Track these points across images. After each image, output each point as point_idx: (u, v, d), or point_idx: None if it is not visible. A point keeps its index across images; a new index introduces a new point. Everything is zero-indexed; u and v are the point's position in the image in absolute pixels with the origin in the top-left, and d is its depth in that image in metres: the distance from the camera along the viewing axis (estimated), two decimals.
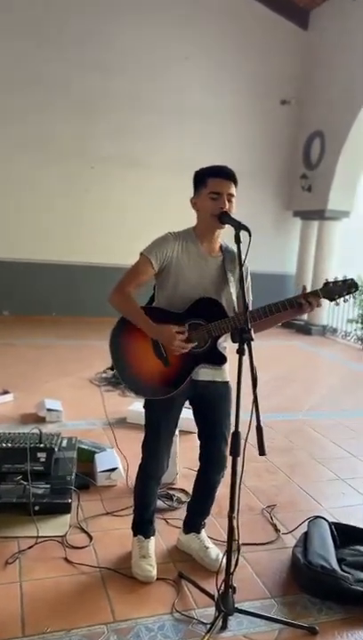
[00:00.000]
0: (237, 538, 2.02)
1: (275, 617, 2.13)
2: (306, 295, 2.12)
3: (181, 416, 2.39)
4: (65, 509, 2.76)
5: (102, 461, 3.24)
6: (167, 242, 2.20)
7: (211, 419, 2.37)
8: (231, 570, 2.01)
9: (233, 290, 2.23)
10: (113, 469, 3.18)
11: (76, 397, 4.75)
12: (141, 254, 2.20)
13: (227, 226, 2.15)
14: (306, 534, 2.61)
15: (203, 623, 2.07)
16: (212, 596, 2.14)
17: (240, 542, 2.08)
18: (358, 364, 7.32)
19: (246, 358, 1.90)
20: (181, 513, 2.71)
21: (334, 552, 2.45)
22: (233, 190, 2.15)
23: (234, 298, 2.23)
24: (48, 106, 8.25)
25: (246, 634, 2.06)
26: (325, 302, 2.17)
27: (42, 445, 2.99)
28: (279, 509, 3.03)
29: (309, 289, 2.20)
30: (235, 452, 1.95)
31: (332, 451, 4.01)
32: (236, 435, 1.96)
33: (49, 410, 4.19)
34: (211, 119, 8.93)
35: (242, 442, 1.92)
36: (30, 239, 8.43)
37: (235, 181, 2.15)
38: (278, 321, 2.22)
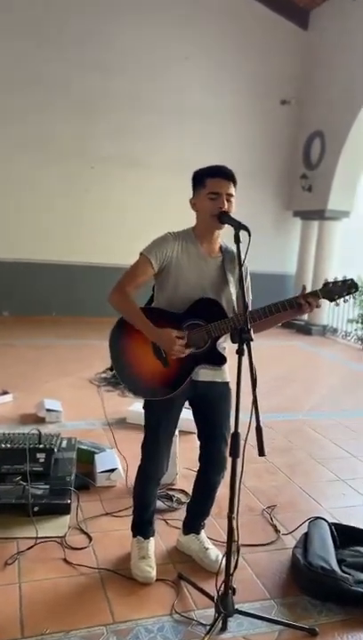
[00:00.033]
0: (236, 539, 2.01)
1: (275, 618, 2.12)
2: (306, 295, 2.11)
3: (181, 416, 2.39)
4: (64, 510, 2.75)
5: (102, 462, 3.23)
6: (167, 242, 2.19)
7: (211, 419, 2.36)
8: (231, 571, 2.01)
9: (233, 290, 2.22)
10: (112, 470, 3.17)
11: (75, 397, 4.74)
12: (141, 254, 2.20)
13: (226, 226, 2.14)
14: (306, 535, 2.60)
15: (202, 624, 2.07)
16: (211, 598, 2.14)
17: (240, 543, 2.08)
18: (358, 364, 7.31)
19: (245, 359, 1.90)
20: (181, 514, 2.71)
21: (334, 553, 2.44)
22: (232, 190, 2.14)
23: (234, 298, 2.22)
24: (48, 106, 8.24)
25: (246, 635, 2.05)
26: (325, 302, 2.16)
27: (41, 446, 2.98)
28: (279, 510, 3.02)
29: (309, 289, 2.19)
30: (234, 453, 1.95)
31: (332, 451, 4.01)
32: (235, 436, 1.95)
33: (48, 410, 4.18)
34: (211, 119, 8.93)
35: (242, 442, 1.91)
36: (30, 239, 8.43)
37: (234, 181, 2.15)
38: (278, 321, 2.21)
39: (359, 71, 8.08)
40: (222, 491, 2.31)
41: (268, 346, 6.59)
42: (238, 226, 2.03)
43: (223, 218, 2.10)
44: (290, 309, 2.12)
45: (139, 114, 8.58)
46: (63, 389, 4.93)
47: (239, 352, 1.91)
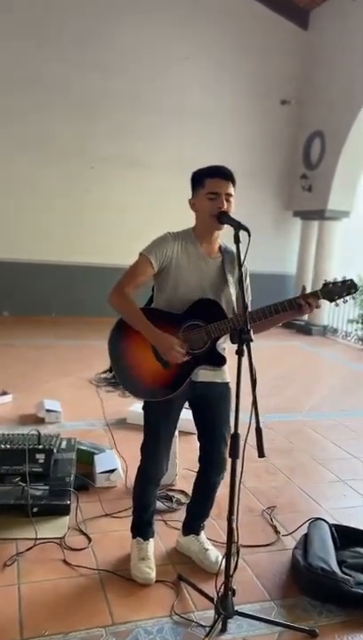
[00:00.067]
0: (236, 540, 2.00)
1: (275, 620, 2.11)
2: (305, 296, 2.11)
3: (181, 416, 2.38)
4: (64, 511, 2.74)
5: (101, 462, 3.23)
6: (167, 242, 2.19)
7: (211, 420, 2.36)
8: (231, 572, 2.00)
9: (232, 291, 2.22)
10: (112, 471, 3.17)
11: (75, 398, 4.73)
12: (141, 254, 2.19)
13: (226, 226, 2.14)
14: (306, 536, 2.59)
15: (202, 626, 2.06)
16: (211, 599, 2.13)
17: (240, 544, 2.07)
18: (358, 364, 7.30)
19: (245, 359, 1.89)
20: (181, 514, 2.70)
21: (334, 554, 2.44)
22: (231, 190, 2.13)
23: (233, 299, 2.21)
24: (48, 106, 8.24)
25: (246, 637, 2.04)
26: (325, 303, 2.15)
27: (40, 447, 2.97)
28: (279, 511, 3.01)
29: (309, 289, 2.18)
30: (234, 454, 1.94)
31: (332, 452, 4.00)
32: (235, 436, 1.94)
33: (48, 410, 4.18)
34: (211, 119, 8.92)
35: (241, 443, 1.91)
36: (30, 239, 8.43)
37: (233, 181, 2.14)
38: (278, 322, 2.20)
39: (359, 71, 8.07)
40: (222, 491, 2.31)
41: (268, 346, 6.60)
42: (238, 226, 2.02)
43: (223, 218, 2.10)
44: (290, 310, 2.11)
45: (139, 114, 8.57)
46: (63, 390, 4.93)
47: (239, 353, 1.90)
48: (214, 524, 2.70)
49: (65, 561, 2.42)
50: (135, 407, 4.11)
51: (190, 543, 2.52)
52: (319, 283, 2.16)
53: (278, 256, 9.72)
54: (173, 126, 8.81)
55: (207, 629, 2.01)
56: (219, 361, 2.24)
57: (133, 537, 2.46)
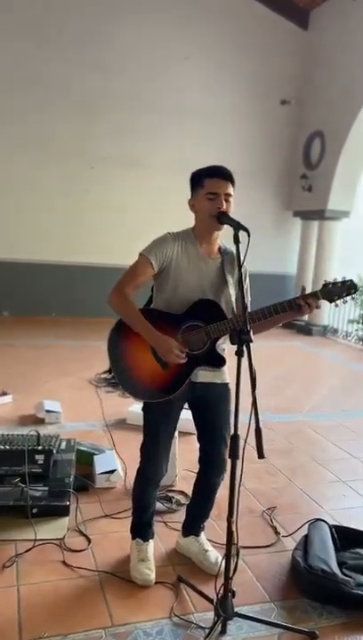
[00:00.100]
0: (236, 542, 1.99)
1: (275, 621, 2.11)
2: (305, 296, 2.10)
3: (181, 417, 2.37)
4: (63, 512, 2.73)
5: (101, 463, 3.22)
6: (167, 242, 2.18)
7: (210, 421, 2.35)
8: (231, 574, 1.99)
9: (232, 291, 2.21)
10: (112, 471, 3.16)
11: (75, 398, 4.73)
12: (141, 255, 2.18)
13: (226, 226, 2.13)
14: (306, 537, 2.58)
15: (202, 628, 2.05)
16: (211, 601, 2.12)
17: (240, 545, 2.06)
18: (358, 364, 7.29)
19: (245, 360, 1.88)
20: (181, 515, 2.69)
21: (334, 555, 2.43)
22: (230, 190, 2.13)
23: (233, 299, 2.21)
24: (48, 106, 8.24)
25: (246, 638, 2.04)
26: (325, 303, 2.15)
27: (40, 447, 2.97)
28: (279, 512, 3.00)
29: (310, 289, 2.18)
30: (234, 455, 1.93)
31: (332, 452, 3.99)
32: (235, 438, 1.94)
33: (48, 411, 4.17)
34: (211, 119, 8.92)
35: (241, 443, 1.90)
36: (30, 239, 8.42)
37: (232, 181, 2.13)
38: (278, 322, 2.20)
39: (359, 71, 8.06)
40: (222, 492, 2.30)
41: (268, 346, 6.59)
42: (238, 226, 2.01)
43: (222, 218, 2.09)
44: (290, 310, 2.11)
45: (139, 114, 8.57)
46: (63, 390, 4.92)
47: (239, 353, 1.90)
48: (214, 525, 2.69)
49: (64, 562, 2.42)
50: (135, 408, 4.10)
51: (190, 544, 2.51)
52: (320, 283, 2.15)
53: (279, 256, 9.71)
54: (173, 126, 8.80)
55: (207, 631, 2.01)
56: (218, 362, 2.23)
57: (133, 538, 2.46)
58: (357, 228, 9.47)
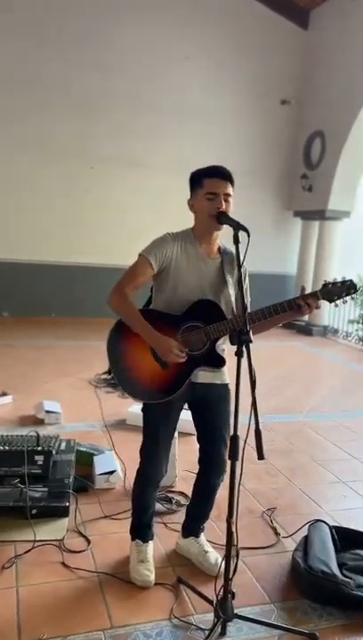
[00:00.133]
0: (236, 543, 1.99)
1: (275, 623, 2.10)
2: (305, 296, 2.09)
3: (181, 417, 2.37)
4: (63, 513, 2.73)
5: (101, 464, 3.21)
6: (166, 242, 2.17)
7: (210, 422, 2.34)
8: (230, 575, 1.98)
9: (232, 291, 2.21)
10: (112, 472, 3.15)
11: (75, 399, 4.72)
12: (140, 255, 2.17)
13: (226, 227, 2.12)
14: (306, 538, 2.58)
15: (201, 629, 2.05)
16: (211, 602, 2.11)
17: (239, 546, 2.05)
18: (359, 364, 7.29)
19: (244, 360, 1.87)
20: (181, 516, 2.68)
21: (334, 556, 2.42)
22: (230, 190, 2.12)
23: (233, 300, 2.20)
24: (48, 106, 8.23)
25: None
26: (325, 303, 2.14)
27: (39, 448, 2.97)
28: (279, 512, 3.00)
29: (310, 289, 2.17)
30: (234, 456, 1.93)
31: (333, 453, 3.98)
32: (234, 438, 1.93)
33: (48, 412, 4.16)
34: (211, 119, 8.91)
35: (241, 443, 1.89)
36: (30, 239, 8.42)
37: (231, 181, 2.13)
38: (278, 322, 2.19)
39: (359, 71, 8.05)
40: (222, 493, 2.29)
41: (268, 346, 6.58)
42: (237, 226, 2.00)
43: (222, 218, 2.09)
44: (290, 311, 2.10)
45: (139, 114, 8.56)
46: (63, 390, 4.91)
47: (238, 354, 1.89)
48: (214, 526, 2.69)
49: (64, 563, 2.41)
50: (134, 408, 4.09)
51: (190, 545, 2.50)
52: (320, 283, 2.15)
53: (279, 256, 9.71)
54: (173, 126, 8.79)
55: (207, 632, 2.00)
56: (218, 362, 2.22)
57: (133, 539, 2.45)
58: (357, 228, 9.46)
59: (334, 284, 2.09)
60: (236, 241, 2.02)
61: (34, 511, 2.67)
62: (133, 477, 2.43)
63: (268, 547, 2.66)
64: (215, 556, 2.43)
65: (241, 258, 2.04)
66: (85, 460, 3.28)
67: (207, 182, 2.11)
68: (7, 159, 8.21)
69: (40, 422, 4.11)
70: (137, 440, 2.39)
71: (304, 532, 2.65)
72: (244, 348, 1.89)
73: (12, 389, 4.69)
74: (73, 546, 2.54)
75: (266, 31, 9.03)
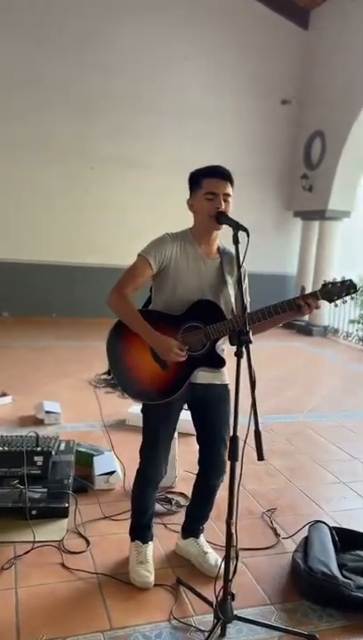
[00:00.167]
0: (235, 544, 1.98)
1: (274, 624, 2.09)
2: (305, 296, 2.08)
3: (181, 417, 2.36)
4: (62, 514, 2.72)
5: (100, 464, 3.21)
6: (165, 242, 2.17)
7: (210, 422, 2.33)
8: (230, 577, 1.98)
9: (231, 292, 2.20)
10: (111, 472, 3.14)
11: (75, 399, 4.72)
12: (139, 255, 2.17)
13: (225, 227, 2.11)
14: (306, 539, 2.57)
15: (201, 631, 2.04)
16: (210, 603, 2.10)
17: (239, 547, 2.04)
18: (359, 364, 7.28)
19: (244, 361, 1.87)
20: (180, 517, 2.68)
21: (334, 557, 2.41)
22: (229, 190, 2.11)
23: (232, 300, 2.20)
24: (48, 106, 8.23)
25: None
26: (325, 303, 2.13)
27: (39, 449, 2.96)
28: (279, 513, 2.99)
29: (310, 289, 2.16)
30: (233, 457, 1.92)
31: (333, 453, 3.97)
32: (234, 439, 1.92)
33: (47, 412, 4.16)
34: (211, 119, 8.91)
35: (241, 444, 1.88)
36: (30, 240, 8.42)
37: (231, 181, 2.12)
38: (278, 322, 2.18)
39: (359, 71, 8.05)
40: (222, 493, 2.28)
41: (269, 347, 6.58)
42: (237, 226, 2.00)
43: (221, 218, 2.08)
44: (289, 311, 2.09)
45: (139, 114, 8.56)
46: (63, 391, 4.91)
47: (238, 354, 1.88)
48: (214, 527, 2.68)
49: (63, 564, 2.40)
50: (134, 409, 4.08)
51: (190, 546, 2.49)
52: (320, 283, 2.14)
53: (279, 256, 9.70)
54: (173, 126, 8.79)
55: (206, 634, 1.99)
56: (218, 363, 2.21)
57: (132, 540, 2.44)
58: (357, 228, 9.46)
59: (334, 283, 2.09)
60: (235, 241, 2.01)
61: (33, 512, 2.66)
62: (133, 478, 2.42)
63: (268, 548, 2.65)
64: (215, 557, 2.42)
65: (241, 258, 2.03)
66: (85, 461, 3.27)
67: (207, 182, 2.10)
68: (7, 159, 8.21)
69: (40, 423, 4.11)
70: (137, 441, 2.38)
71: (304, 532, 2.64)
72: (243, 349, 1.88)
73: (12, 390, 4.69)
74: (72, 547, 2.53)
75: (266, 31, 9.03)
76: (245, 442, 1.85)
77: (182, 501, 2.98)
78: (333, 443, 4.16)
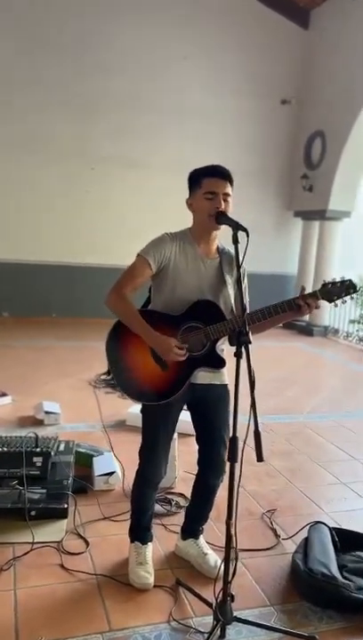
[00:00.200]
0: (235, 545, 1.97)
1: (274, 626, 2.08)
2: (304, 297, 2.08)
3: (181, 418, 2.35)
4: (61, 514, 2.71)
5: (100, 465, 3.20)
6: (164, 242, 2.16)
7: (209, 422, 2.33)
8: (229, 578, 1.97)
9: (231, 291, 2.19)
10: (111, 473, 3.14)
11: (75, 399, 4.71)
12: (138, 255, 2.16)
13: (225, 226, 2.10)
14: (306, 540, 2.56)
15: (200, 632, 2.03)
16: (210, 605, 2.09)
17: (239, 548, 2.03)
18: (360, 365, 7.27)
19: (243, 361, 1.86)
20: (180, 518, 2.67)
21: (335, 558, 2.40)
22: (229, 190, 2.11)
23: (232, 300, 2.19)
24: (48, 106, 8.22)
25: None
26: (325, 303, 2.13)
27: (38, 449, 2.95)
28: (280, 514, 2.98)
29: (310, 290, 2.16)
30: (233, 458, 1.91)
31: (333, 453, 3.97)
32: (233, 440, 1.91)
33: (47, 412, 4.15)
34: (211, 119, 8.90)
35: (241, 444, 1.87)
36: (30, 240, 8.41)
37: (230, 181, 2.11)
38: (277, 322, 2.18)
39: (359, 71, 8.04)
40: (222, 493, 2.27)
41: (269, 347, 6.58)
42: (236, 226, 1.99)
43: (220, 218, 2.07)
44: (289, 311, 2.09)
45: (139, 114, 8.55)
46: (63, 391, 4.90)
47: (237, 355, 1.87)
48: (213, 527, 2.67)
49: (62, 565, 2.39)
50: (134, 409, 4.08)
51: (189, 547, 2.49)
52: (320, 283, 2.13)
53: (279, 256, 9.70)
54: (173, 126, 8.78)
55: (206, 636, 1.98)
56: (218, 363, 2.21)
57: (132, 541, 2.43)
58: (358, 229, 9.45)
59: (334, 283, 2.08)
60: (235, 241, 2.00)
61: (32, 513, 2.65)
62: (133, 479, 2.41)
63: (268, 549, 2.64)
64: (215, 558, 2.41)
65: (240, 258, 2.02)
66: (85, 462, 3.26)
67: (206, 182, 2.09)
68: (7, 159, 8.21)
69: (39, 423, 4.10)
70: (136, 441, 2.37)
71: (304, 533, 2.64)
72: (243, 349, 1.87)
73: (12, 390, 4.68)
74: (72, 548, 2.52)
75: (266, 31, 9.02)
76: (244, 442, 1.84)
77: (182, 502, 2.97)
78: (333, 443, 4.15)
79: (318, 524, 2.65)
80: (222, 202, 2.07)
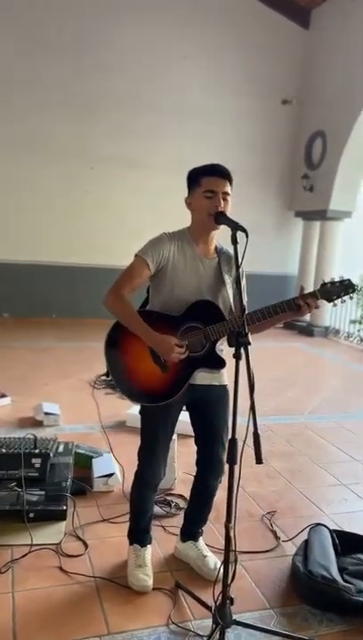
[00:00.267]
0: (234, 548, 1.95)
1: (274, 629, 2.06)
2: (304, 296, 2.07)
3: (180, 419, 2.33)
4: (60, 516, 2.70)
5: (99, 467, 3.18)
6: (163, 242, 2.14)
7: (208, 423, 2.31)
8: (229, 581, 1.95)
9: (230, 291, 2.17)
10: (110, 475, 3.12)
11: (75, 400, 4.69)
12: (137, 255, 2.14)
13: (224, 227, 2.09)
14: (306, 542, 2.54)
15: (200, 635, 2.02)
16: (209, 608, 2.08)
17: (239, 550, 2.01)
18: (360, 365, 7.25)
19: (243, 362, 1.84)
20: (179, 520, 2.65)
21: (335, 561, 2.39)
22: (228, 189, 2.09)
23: (231, 300, 2.17)
24: (48, 106, 8.21)
25: None
26: (324, 303, 2.11)
27: (37, 451, 2.94)
28: (280, 516, 2.96)
29: (311, 289, 2.15)
30: (232, 460, 1.89)
31: (334, 455, 3.95)
32: (233, 442, 1.89)
33: (46, 413, 4.13)
34: (211, 119, 8.88)
35: (240, 444, 1.85)
36: (30, 240, 8.40)
37: (230, 180, 2.10)
38: (277, 322, 2.17)
39: (360, 71, 8.02)
40: (221, 494, 2.25)
41: (269, 347, 6.56)
42: (235, 227, 1.97)
43: (220, 218, 2.05)
44: (289, 311, 2.08)
45: (139, 114, 8.54)
46: (62, 392, 4.89)
47: (236, 356, 1.85)
48: (213, 529, 2.66)
49: (61, 568, 2.38)
50: (134, 410, 4.06)
51: (188, 549, 2.47)
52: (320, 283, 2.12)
53: (280, 257, 9.69)
54: (173, 126, 8.77)
55: (205, 639, 1.97)
56: (218, 364, 2.19)
57: (130, 543, 2.41)
58: (359, 228, 9.43)
59: (333, 283, 2.08)
60: (234, 241, 1.99)
61: (31, 515, 2.63)
62: (132, 480, 2.40)
63: (267, 551, 2.62)
64: (214, 561, 2.40)
65: (239, 258, 2.01)
66: (84, 463, 3.25)
67: (206, 180, 2.08)
68: (7, 159, 8.19)
69: (39, 424, 4.08)
70: (136, 442, 2.35)
71: (304, 535, 2.62)
72: (242, 350, 1.85)
73: (12, 391, 4.67)
74: (70, 550, 2.50)
75: (267, 31, 9.00)
76: (244, 442, 1.83)
77: (181, 504, 2.96)
78: (333, 444, 4.13)
79: (318, 526, 2.64)
80: (222, 201, 2.06)
